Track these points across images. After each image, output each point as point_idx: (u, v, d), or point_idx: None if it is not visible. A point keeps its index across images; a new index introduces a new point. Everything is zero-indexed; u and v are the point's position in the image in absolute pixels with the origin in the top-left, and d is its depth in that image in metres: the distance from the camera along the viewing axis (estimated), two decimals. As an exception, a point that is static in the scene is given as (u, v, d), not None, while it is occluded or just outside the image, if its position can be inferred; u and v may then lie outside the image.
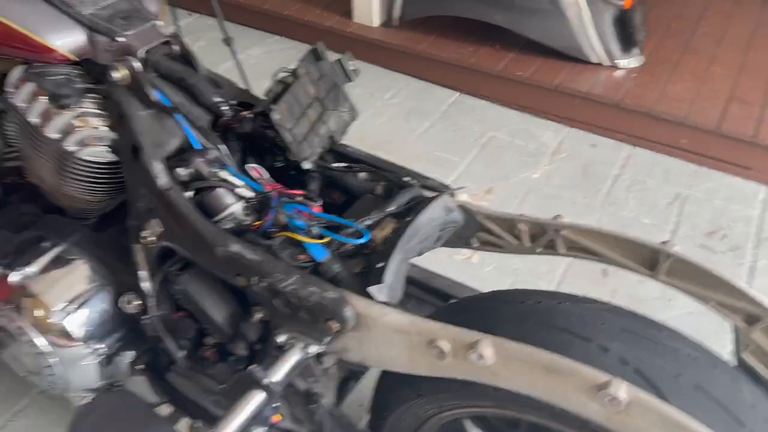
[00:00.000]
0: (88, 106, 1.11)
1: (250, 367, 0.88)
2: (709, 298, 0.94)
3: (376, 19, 3.20)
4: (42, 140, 1.13)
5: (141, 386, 1.22)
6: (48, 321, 1.17)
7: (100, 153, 1.12)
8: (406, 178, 1.11)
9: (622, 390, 0.74)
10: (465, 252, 2.08)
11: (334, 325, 0.90)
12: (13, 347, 1.25)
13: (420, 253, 1.17)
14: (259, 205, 1.03)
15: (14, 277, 1.19)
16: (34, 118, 1.11)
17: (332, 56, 1.18)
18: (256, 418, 0.89)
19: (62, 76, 1.11)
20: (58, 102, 1.08)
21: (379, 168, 1.15)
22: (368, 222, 1.02)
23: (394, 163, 1.17)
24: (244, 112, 1.12)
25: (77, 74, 1.12)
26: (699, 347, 0.89)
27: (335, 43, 3.28)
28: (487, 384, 0.85)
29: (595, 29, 2.76)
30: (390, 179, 1.12)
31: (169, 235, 1.04)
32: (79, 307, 1.18)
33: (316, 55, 1.16)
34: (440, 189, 1.11)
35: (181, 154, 1.05)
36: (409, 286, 1.34)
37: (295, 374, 0.94)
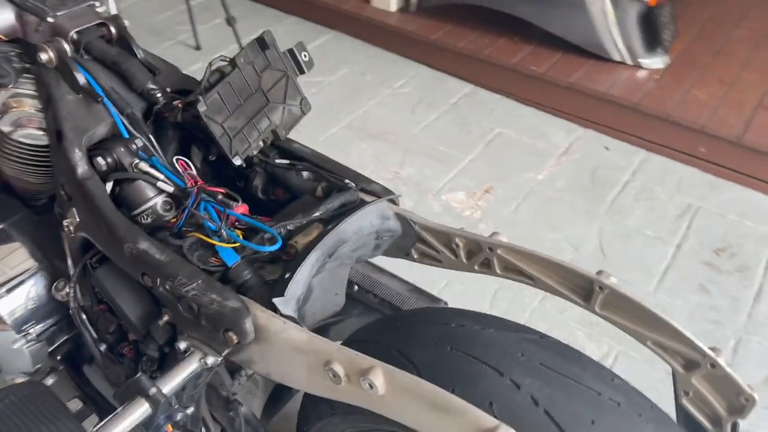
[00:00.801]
0: (26, 87, 1.07)
1: (138, 375, 0.83)
2: (646, 337, 0.86)
3: (393, 4, 3.12)
4: None
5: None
6: (-23, 303, 1.14)
7: (35, 135, 1.07)
8: (347, 181, 1.05)
9: (509, 439, 0.67)
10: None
11: (233, 337, 0.85)
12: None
13: (358, 261, 1.10)
14: (178, 202, 0.98)
15: (-56, 256, 1.16)
16: None
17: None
18: (147, 425, 0.84)
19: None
20: None
21: (321, 168, 1.08)
22: (290, 226, 0.96)
23: (340, 164, 1.11)
24: (176, 101, 1.06)
25: (16, 54, 1.09)
26: (626, 391, 0.82)
27: (351, 26, 3.23)
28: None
29: (618, 25, 2.62)
30: (330, 180, 1.06)
31: (86, 226, 1.00)
32: (10, 290, 1.15)
33: (262, 44, 1.09)
34: (381, 194, 1.04)
35: (104, 142, 1.00)
36: (360, 291, 1.29)
37: (193, 383, 0.89)
